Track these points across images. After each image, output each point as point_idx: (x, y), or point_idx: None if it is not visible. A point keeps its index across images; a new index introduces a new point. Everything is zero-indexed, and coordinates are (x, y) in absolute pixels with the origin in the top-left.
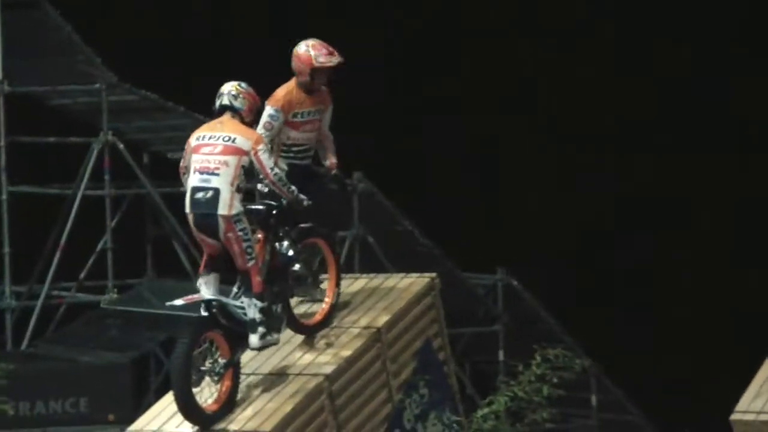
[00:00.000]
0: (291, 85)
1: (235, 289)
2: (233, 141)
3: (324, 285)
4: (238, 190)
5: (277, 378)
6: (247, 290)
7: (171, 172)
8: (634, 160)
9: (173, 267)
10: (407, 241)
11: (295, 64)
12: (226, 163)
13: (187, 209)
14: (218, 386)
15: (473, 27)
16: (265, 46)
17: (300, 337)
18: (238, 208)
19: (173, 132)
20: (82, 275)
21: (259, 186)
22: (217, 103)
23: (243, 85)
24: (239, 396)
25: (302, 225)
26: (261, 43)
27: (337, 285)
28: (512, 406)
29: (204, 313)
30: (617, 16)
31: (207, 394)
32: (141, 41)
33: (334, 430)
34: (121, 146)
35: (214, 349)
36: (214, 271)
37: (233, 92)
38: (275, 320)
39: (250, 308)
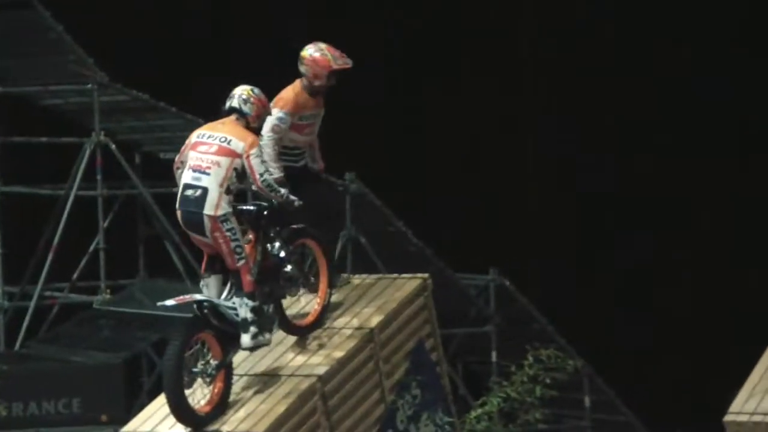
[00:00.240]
0: (297, 87)
1: (226, 290)
2: (228, 143)
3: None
4: (228, 191)
5: (269, 379)
6: (239, 290)
7: (163, 172)
8: (633, 160)
9: (165, 267)
10: (399, 241)
11: (310, 67)
12: (218, 164)
13: (177, 205)
14: (210, 387)
15: (473, 27)
16: (263, 46)
17: (292, 338)
18: (225, 209)
19: (165, 132)
20: (74, 276)
21: (253, 187)
22: (227, 104)
23: (255, 90)
24: (232, 397)
25: (293, 226)
26: (258, 43)
27: (330, 286)
28: (505, 406)
29: (196, 314)
30: (617, 15)
31: (199, 396)
32: (133, 41)
33: (327, 431)
34: (113, 146)
35: (206, 350)
36: (214, 273)
37: (244, 96)
38: (267, 320)
39: (242, 308)
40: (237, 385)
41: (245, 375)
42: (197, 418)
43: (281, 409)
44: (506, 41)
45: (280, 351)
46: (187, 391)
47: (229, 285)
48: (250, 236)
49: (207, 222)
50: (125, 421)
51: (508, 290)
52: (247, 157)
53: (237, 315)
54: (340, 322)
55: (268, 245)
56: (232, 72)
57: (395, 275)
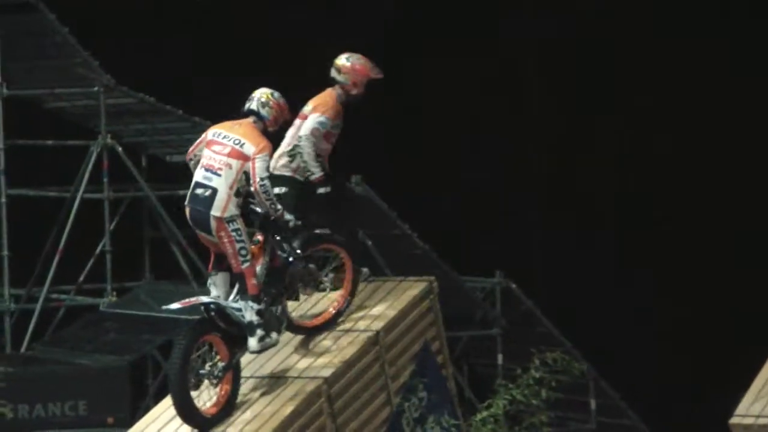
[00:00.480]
0: (333, 95)
1: (233, 292)
2: (241, 146)
3: (335, 291)
4: (237, 193)
5: (275, 381)
6: (244, 293)
7: (169, 174)
8: (634, 160)
9: (171, 270)
10: (405, 244)
11: (350, 76)
12: (229, 166)
13: (186, 201)
14: (217, 389)
15: (473, 26)
16: (265, 48)
17: (298, 340)
18: (232, 211)
19: (171, 135)
20: (80, 278)
21: (251, 188)
22: (246, 106)
23: (275, 94)
24: (238, 399)
25: (316, 231)
26: (260, 44)
27: (351, 294)
28: (511, 409)
29: (202, 316)
30: (617, 15)
31: (206, 398)
32: (139, 43)
33: None
34: (120, 149)
35: (212, 352)
36: (221, 271)
37: (263, 99)
38: (274, 321)
39: (247, 311)
40: (243, 387)
41: (251, 377)
42: (204, 419)
43: (287, 410)
44: (506, 40)
45: (287, 353)
46: (193, 393)
47: (236, 287)
48: (260, 237)
49: (213, 222)
50: (131, 423)
51: (513, 293)
52: (254, 159)
53: (243, 317)
54: (346, 324)
55: (283, 246)
56: (231, 74)
57: (401, 278)
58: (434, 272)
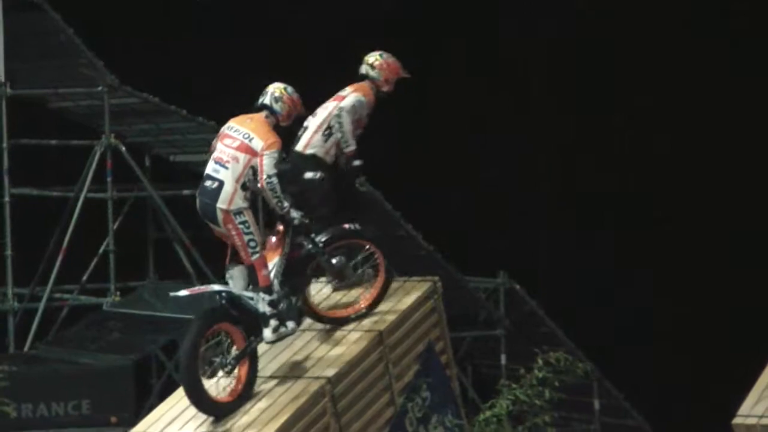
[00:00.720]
0: (369, 86)
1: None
2: (250, 140)
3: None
4: (244, 187)
5: (279, 380)
6: (256, 284)
7: (173, 174)
8: (634, 160)
9: (175, 270)
10: (409, 245)
11: (383, 72)
12: (236, 159)
13: (197, 193)
14: (232, 378)
15: (473, 26)
16: (269, 47)
17: (302, 341)
18: (238, 203)
19: (175, 135)
20: (84, 278)
21: (258, 185)
22: (260, 100)
23: (289, 89)
24: None
25: (345, 225)
26: (264, 43)
27: (383, 289)
28: (514, 409)
29: (213, 306)
30: (617, 15)
31: (221, 386)
32: (143, 44)
33: None
34: (123, 149)
35: (227, 341)
36: (239, 264)
37: (276, 94)
38: (291, 311)
39: (259, 302)
40: None
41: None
42: (217, 407)
43: (291, 410)
44: (506, 41)
45: (290, 353)
46: (208, 382)
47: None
48: (280, 228)
49: (220, 214)
50: (134, 423)
51: (517, 293)
52: (262, 155)
53: (258, 308)
54: (351, 324)
55: (306, 239)
56: (234, 74)
57: (405, 278)
58: (438, 273)
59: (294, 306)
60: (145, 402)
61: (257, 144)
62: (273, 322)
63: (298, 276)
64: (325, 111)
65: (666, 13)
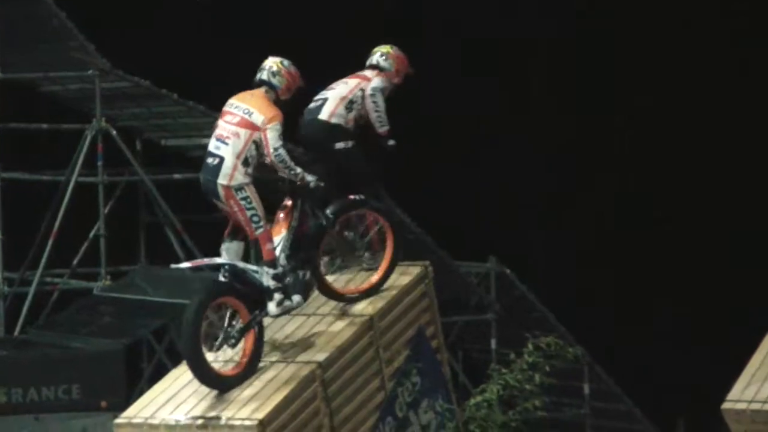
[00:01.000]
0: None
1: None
2: (250, 115)
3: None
4: (246, 162)
5: (270, 365)
6: (260, 258)
7: (164, 158)
8: (634, 158)
9: (166, 254)
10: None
11: (396, 63)
12: (237, 135)
13: (201, 171)
14: (236, 351)
15: (473, 27)
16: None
17: (293, 325)
18: (239, 179)
19: (166, 119)
20: (74, 262)
21: (267, 160)
22: (257, 76)
23: (285, 63)
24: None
25: (351, 196)
26: (254, 29)
27: (393, 262)
28: (504, 394)
29: (216, 279)
30: (617, 15)
31: (225, 358)
32: (134, 28)
33: (327, 416)
34: (114, 133)
35: (231, 313)
36: (236, 240)
37: (273, 69)
38: (298, 285)
39: (264, 276)
40: None
41: None
42: (221, 380)
43: (282, 395)
44: (505, 41)
45: (281, 337)
46: (212, 355)
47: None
48: (288, 202)
49: (220, 190)
50: (125, 407)
51: (508, 278)
52: (265, 130)
53: (262, 282)
54: (341, 308)
55: (315, 211)
56: (229, 60)
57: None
58: (429, 257)
59: (301, 280)
60: (135, 386)
61: (257, 118)
62: (277, 296)
63: (307, 251)
64: (345, 85)
65: (666, 13)
